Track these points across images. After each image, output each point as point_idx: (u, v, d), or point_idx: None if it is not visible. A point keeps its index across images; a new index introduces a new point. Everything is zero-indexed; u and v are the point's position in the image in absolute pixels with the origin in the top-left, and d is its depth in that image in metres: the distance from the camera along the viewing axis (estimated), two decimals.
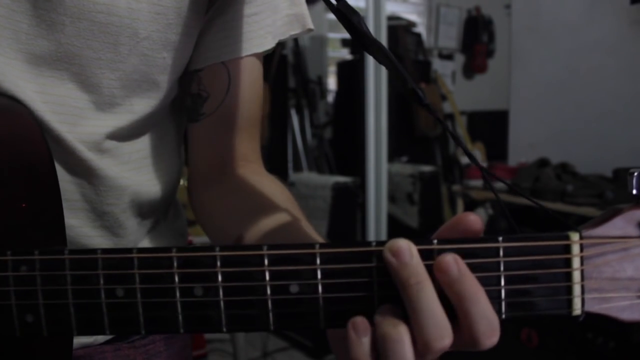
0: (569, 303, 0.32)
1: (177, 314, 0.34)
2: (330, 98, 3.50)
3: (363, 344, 0.32)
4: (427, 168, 3.18)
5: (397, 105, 3.16)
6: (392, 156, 3.05)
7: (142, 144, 0.57)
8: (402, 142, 3.25)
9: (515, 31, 2.53)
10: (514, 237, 0.32)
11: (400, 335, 0.31)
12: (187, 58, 0.56)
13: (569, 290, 0.32)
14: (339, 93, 3.39)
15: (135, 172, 0.56)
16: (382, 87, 2.83)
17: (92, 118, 0.51)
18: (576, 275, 0.32)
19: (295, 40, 3.11)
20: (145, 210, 0.58)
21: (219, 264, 0.33)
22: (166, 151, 0.60)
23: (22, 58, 0.47)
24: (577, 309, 0.32)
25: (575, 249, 0.32)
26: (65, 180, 0.50)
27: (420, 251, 0.32)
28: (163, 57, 0.53)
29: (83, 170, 0.51)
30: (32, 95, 0.47)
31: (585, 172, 2.07)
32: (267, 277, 0.33)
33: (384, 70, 2.83)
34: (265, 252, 0.33)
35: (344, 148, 3.27)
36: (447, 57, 3.89)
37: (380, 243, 0.32)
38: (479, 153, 3.54)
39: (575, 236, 0.32)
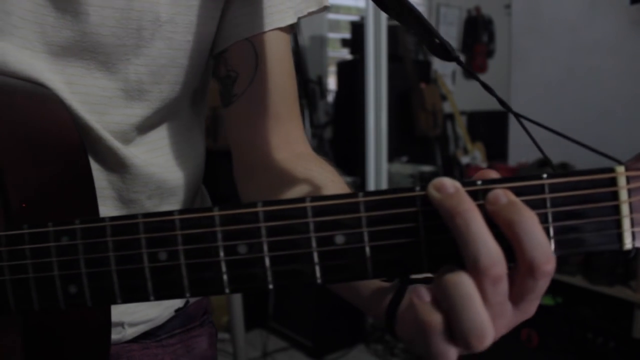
0: (619, 237, 0.31)
1: (222, 274, 0.33)
2: (330, 98, 3.49)
3: (429, 305, 0.32)
4: (427, 168, 3.18)
5: (397, 105, 3.16)
6: (392, 156, 3.05)
7: (168, 132, 0.57)
8: (402, 142, 3.25)
9: (515, 31, 2.53)
10: (559, 173, 0.31)
11: (461, 277, 0.30)
12: (209, 42, 0.55)
13: (618, 224, 0.31)
14: (339, 93, 3.39)
15: (161, 159, 0.56)
16: (382, 87, 2.83)
17: (121, 107, 0.51)
18: (624, 208, 0.31)
19: (295, 40, 3.11)
20: (172, 197, 0.58)
21: (262, 218, 0.32)
22: (190, 138, 0.60)
23: (49, 51, 0.47)
24: (627, 243, 0.31)
25: (622, 181, 0.31)
26: (92, 168, 0.50)
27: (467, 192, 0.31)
28: (187, 40, 0.52)
29: (110, 159, 0.51)
30: (60, 86, 0.48)
31: None
32: (312, 229, 0.32)
33: (384, 70, 2.83)
34: (308, 204, 0.32)
35: (344, 148, 3.27)
36: None
37: (424, 187, 0.32)
38: (479, 153, 3.54)
39: (620, 168, 0.31)
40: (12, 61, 0.46)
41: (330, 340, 2.61)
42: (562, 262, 1.96)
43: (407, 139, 3.35)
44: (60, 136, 0.44)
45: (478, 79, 0.41)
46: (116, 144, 0.51)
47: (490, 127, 3.49)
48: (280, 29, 0.55)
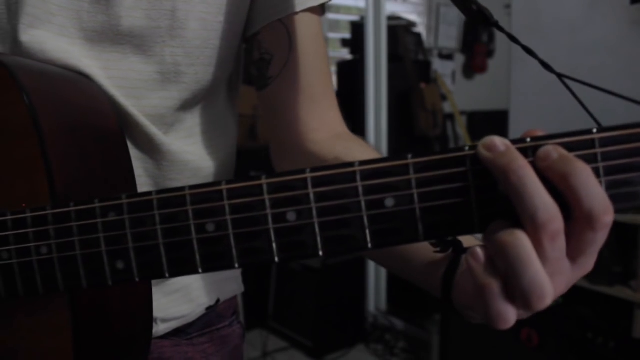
0: None
1: (271, 242, 0.32)
2: None
3: (486, 267, 0.31)
4: None
5: (397, 105, 3.16)
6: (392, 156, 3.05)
7: (203, 119, 0.57)
8: (402, 142, 3.25)
9: (515, 31, 2.53)
10: (608, 127, 0.30)
11: (517, 236, 0.30)
12: (241, 24, 0.56)
13: None
14: (339, 93, 3.39)
15: (196, 146, 0.56)
16: (382, 87, 2.83)
17: (158, 90, 0.51)
18: None
19: None
20: None
21: (310, 185, 0.32)
22: (224, 127, 0.60)
23: (85, 37, 0.48)
24: None
25: None
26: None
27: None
28: (219, 21, 0.53)
29: (147, 145, 0.52)
30: (98, 72, 0.48)
31: None
32: (361, 193, 0.31)
33: (384, 70, 2.83)
34: (357, 168, 0.32)
35: None
36: (447, 57, 3.89)
37: (473, 147, 0.31)
38: None
39: None
40: (49, 49, 0.46)
41: (330, 340, 2.61)
42: None
43: (407, 139, 3.35)
44: (99, 121, 0.45)
45: (518, 42, 0.41)
46: (153, 130, 0.51)
47: (490, 127, 3.48)
48: (312, 10, 0.55)
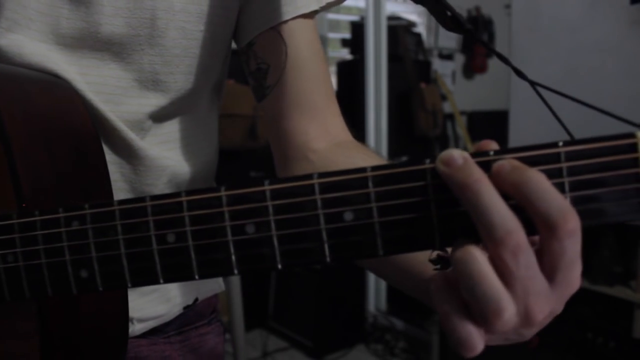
0: None
1: (230, 255, 0.32)
2: None
3: (440, 285, 0.30)
4: None
5: (397, 105, 3.16)
6: (392, 156, 3.05)
7: (183, 124, 0.57)
8: (402, 142, 3.25)
9: (515, 31, 2.53)
10: (576, 140, 0.29)
11: (469, 252, 0.29)
12: (225, 33, 0.55)
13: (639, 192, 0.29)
14: (339, 93, 3.38)
15: (174, 152, 0.56)
16: (382, 87, 2.83)
17: (136, 96, 0.51)
18: None
19: None
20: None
21: (269, 197, 0.32)
22: (204, 133, 0.60)
23: (63, 42, 0.48)
24: None
25: None
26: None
27: (477, 163, 0.30)
28: (200, 30, 0.52)
29: (124, 150, 0.51)
30: (76, 77, 0.48)
31: None
32: (320, 206, 0.31)
33: (384, 70, 2.83)
34: (315, 180, 0.31)
35: None
36: (447, 57, 3.89)
37: (435, 159, 0.30)
38: None
39: None
40: (27, 53, 0.46)
41: (330, 340, 2.61)
42: None
43: (407, 139, 3.35)
44: (73, 125, 0.44)
45: (490, 48, 0.40)
46: (131, 135, 0.51)
47: (490, 127, 3.49)
48: (305, 16, 0.55)
